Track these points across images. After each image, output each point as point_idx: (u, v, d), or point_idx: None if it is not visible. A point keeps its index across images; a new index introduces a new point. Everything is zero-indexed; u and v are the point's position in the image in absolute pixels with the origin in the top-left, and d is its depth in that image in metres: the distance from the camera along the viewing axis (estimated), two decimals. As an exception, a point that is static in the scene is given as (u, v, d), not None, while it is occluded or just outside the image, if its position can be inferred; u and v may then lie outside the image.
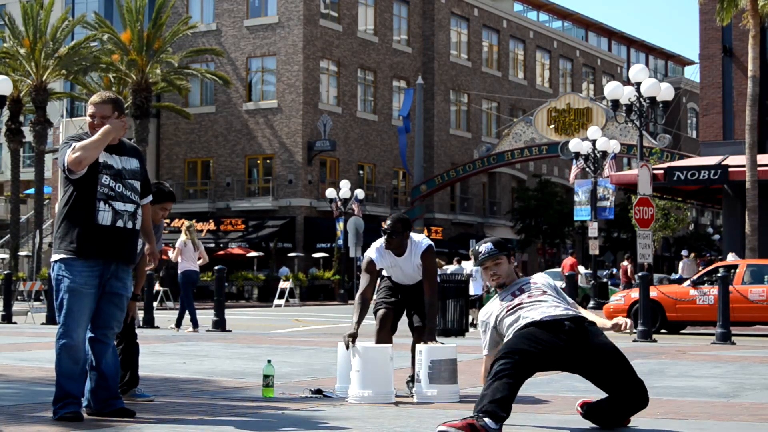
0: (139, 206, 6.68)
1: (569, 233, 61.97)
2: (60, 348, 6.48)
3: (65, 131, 49.87)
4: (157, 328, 19.89)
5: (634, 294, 21.77)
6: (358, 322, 7.97)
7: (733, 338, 16.61)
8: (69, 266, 6.49)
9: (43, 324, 19.98)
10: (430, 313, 8.13)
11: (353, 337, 7.83)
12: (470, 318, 20.74)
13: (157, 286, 32.47)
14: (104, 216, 6.49)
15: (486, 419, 5.76)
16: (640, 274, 18.98)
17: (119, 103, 6.72)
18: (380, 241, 8.30)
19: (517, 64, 65.55)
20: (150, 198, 6.91)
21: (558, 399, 7.99)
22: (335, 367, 8.66)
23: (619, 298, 21.96)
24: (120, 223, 6.54)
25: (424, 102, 53.53)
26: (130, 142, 6.95)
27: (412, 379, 8.26)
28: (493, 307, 6.64)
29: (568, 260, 32.62)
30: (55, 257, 6.55)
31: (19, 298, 29.21)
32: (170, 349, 13.27)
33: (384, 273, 8.48)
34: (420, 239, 8.31)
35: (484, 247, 6.67)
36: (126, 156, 6.68)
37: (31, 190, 48.92)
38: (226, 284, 31.17)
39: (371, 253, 8.28)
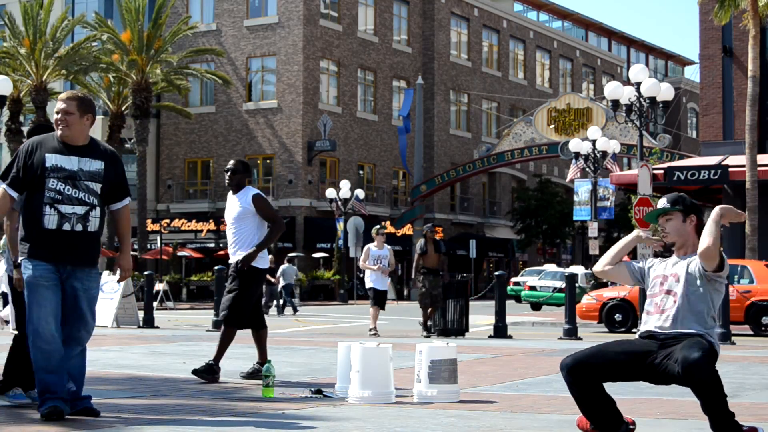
0: (93, 208, 6.58)
1: (569, 233, 61.96)
2: (30, 342, 6.52)
3: (65, 131, 49.82)
4: (157, 328, 19.91)
5: (607, 293, 21.97)
6: None
7: (733, 338, 16.59)
8: (26, 263, 6.57)
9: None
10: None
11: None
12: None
13: (157, 286, 32.49)
14: (50, 220, 6.50)
15: None
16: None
17: (85, 102, 6.73)
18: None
19: (517, 64, 65.54)
20: (127, 201, 6.80)
21: (558, 399, 7.98)
22: (335, 367, 8.66)
23: (591, 297, 22.21)
24: (67, 227, 6.50)
25: (424, 102, 53.53)
26: (107, 145, 6.86)
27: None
28: (658, 269, 5.95)
29: None
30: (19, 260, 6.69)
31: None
32: (170, 349, 13.29)
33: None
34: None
35: (660, 201, 5.99)
36: (88, 158, 6.61)
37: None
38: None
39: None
